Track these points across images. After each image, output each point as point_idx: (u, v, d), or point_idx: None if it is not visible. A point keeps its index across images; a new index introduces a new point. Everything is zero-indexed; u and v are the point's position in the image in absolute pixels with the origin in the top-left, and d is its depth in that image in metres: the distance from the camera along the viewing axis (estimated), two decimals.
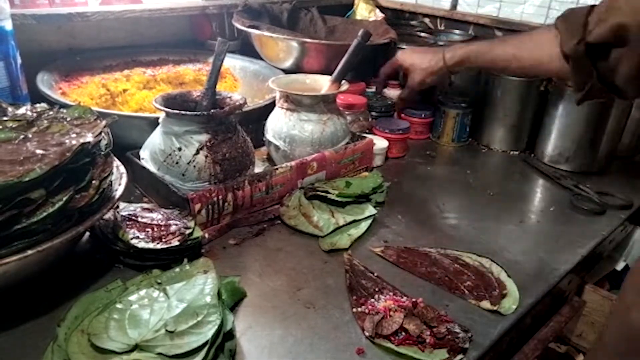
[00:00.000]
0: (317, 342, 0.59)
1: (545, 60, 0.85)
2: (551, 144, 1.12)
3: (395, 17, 1.67)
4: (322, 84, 0.99)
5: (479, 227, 0.86)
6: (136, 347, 0.51)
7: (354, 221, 0.83)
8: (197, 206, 0.75)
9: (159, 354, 0.50)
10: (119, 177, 0.70)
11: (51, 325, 0.55)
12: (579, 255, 0.80)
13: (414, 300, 0.64)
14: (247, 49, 1.33)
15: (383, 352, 0.58)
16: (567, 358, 0.96)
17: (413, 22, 1.68)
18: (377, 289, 0.67)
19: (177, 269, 0.64)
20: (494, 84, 1.16)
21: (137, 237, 0.69)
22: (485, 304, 0.66)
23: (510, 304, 0.66)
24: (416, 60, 1.03)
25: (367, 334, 0.59)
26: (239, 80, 1.28)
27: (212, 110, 0.78)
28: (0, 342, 0.56)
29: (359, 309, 0.63)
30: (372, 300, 0.65)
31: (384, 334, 0.59)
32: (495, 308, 0.65)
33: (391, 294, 0.66)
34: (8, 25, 0.84)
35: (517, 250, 0.80)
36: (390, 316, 0.61)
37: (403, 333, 0.59)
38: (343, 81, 0.98)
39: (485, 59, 0.94)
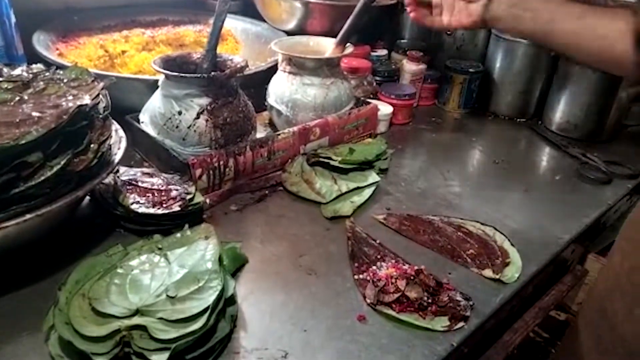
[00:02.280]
0: (318, 309, 0.59)
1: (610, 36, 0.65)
2: (559, 112, 1.10)
3: None
4: (326, 46, 0.96)
5: (483, 195, 0.85)
6: (137, 312, 0.51)
7: (357, 188, 0.82)
8: (198, 171, 0.74)
9: (160, 318, 0.50)
10: (118, 141, 0.69)
11: (52, 288, 0.55)
12: (584, 224, 0.79)
13: (416, 268, 0.63)
14: (249, 10, 1.29)
15: (384, 319, 0.58)
16: (566, 325, 0.96)
17: None
18: (379, 257, 0.67)
19: (178, 235, 0.64)
20: (502, 48, 1.13)
21: (138, 202, 0.68)
22: (488, 273, 0.66)
23: (513, 272, 0.66)
24: None
25: (368, 301, 0.59)
26: (241, 43, 1.25)
27: (213, 73, 0.76)
28: (2, 305, 0.56)
29: (361, 276, 0.63)
30: (374, 267, 0.64)
31: (385, 301, 0.59)
32: (497, 276, 0.65)
33: (393, 261, 0.66)
34: None
35: (522, 218, 0.79)
36: (392, 283, 0.60)
37: (405, 300, 0.59)
38: (347, 44, 0.95)
39: (540, 26, 0.72)
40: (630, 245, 0.55)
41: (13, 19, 0.85)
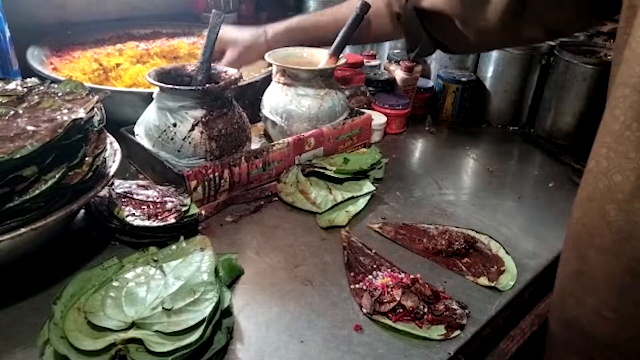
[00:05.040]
0: (314, 319, 0.59)
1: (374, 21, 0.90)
2: (551, 119, 1.11)
3: None
4: (320, 57, 0.97)
5: (477, 203, 0.86)
6: (133, 325, 0.50)
7: (352, 198, 0.82)
8: (193, 183, 0.74)
9: (156, 331, 0.50)
10: (113, 153, 0.69)
11: (47, 303, 0.54)
12: None
13: (411, 276, 0.63)
14: (243, 22, 1.30)
15: (381, 329, 0.58)
16: None
17: None
18: (374, 266, 0.67)
19: (174, 247, 0.64)
20: (493, 57, 1.14)
21: (133, 215, 0.68)
22: (483, 281, 0.66)
23: (508, 280, 0.66)
24: (237, 35, 1.00)
25: (364, 310, 0.59)
26: None
27: (207, 85, 0.76)
28: None
29: (357, 286, 0.63)
30: (370, 277, 0.65)
31: (381, 310, 0.59)
32: (493, 284, 0.65)
33: (389, 270, 0.66)
34: None
35: (516, 226, 0.79)
36: (388, 293, 0.60)
37: (401, 309, 0.59)
38: (341, 55, 0.96)
39: (307, 26, 0.97)
40: (571, 242, 0.57)
41: (7, 34, 0.85)
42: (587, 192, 0.51)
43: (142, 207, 0.70)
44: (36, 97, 0.64)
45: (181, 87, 0.76)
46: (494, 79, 1.16)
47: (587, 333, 0.53)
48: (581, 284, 0.53)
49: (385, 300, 0.60)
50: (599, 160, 0.49)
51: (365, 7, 0.93)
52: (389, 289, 0.61)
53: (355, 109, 1.01)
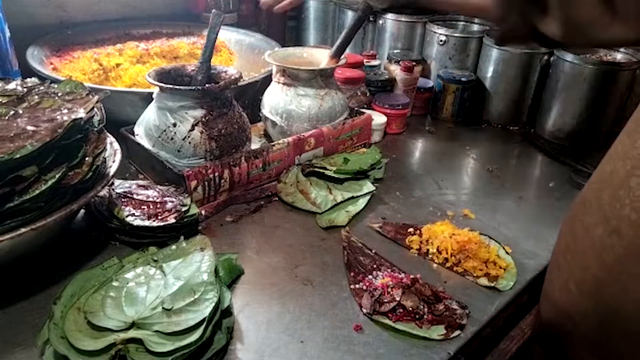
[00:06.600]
0: (314, 319, 0.59)
1: None
2: (551, 120, 1.11)
3: None
4: (320, 57, 0.97)
5: (477, 203, 0.86)
6: (133, 325, 0.50)
7: (352, 198, 0.82)
8: (193, 183, 0.74)
9: (156, 331, 0.50)
10: (113, 153, 0.69)
11: (47, 303, 0.55)
12: None
13: (411, 276, 0.63)
14: (243, 22, 1.30)
15: (381, 329, 0.58)
16: None
17: None
18: (374, 266, 0.67)
19: (174, 247, 0.63)
20: (494, 57, 1.14)
21: (133, 215, 0.68)
22: (483, 281, 0.66)
23: (508, 280, 0.66)
24: None
25: (364, 310, 0.59)
26: (235, 54, 1.26)
27: (207, 85, 0.76)
28: None
29: (357, 286, 0.63)
30: (370, 277, 0.65)
31: (381, 310, 0.59)
32: (492, 284, 0.65)
33: (389, 270, 0.66)
34: None
35: (516, 226, 0.79)
36: (388, 293, 0.60)
37: (401, 310, 0.59)
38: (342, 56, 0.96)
39: None
40: (566, 226, 0.58)
41: (7, 34, 0.85)
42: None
43: (142, 207, 0.70)
44: (36, 97, 0.64)
45: (181, 87, 0.76)
46: (494, 79, 1.16)
47: (556, 305, 0.55)
48: (566, 260, 0.54)
49: (385, 300, 0.60)
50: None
51: (367, 10, 0.93)
52: (389, 289, 0.61)
53: (355, 109, 1.01)
